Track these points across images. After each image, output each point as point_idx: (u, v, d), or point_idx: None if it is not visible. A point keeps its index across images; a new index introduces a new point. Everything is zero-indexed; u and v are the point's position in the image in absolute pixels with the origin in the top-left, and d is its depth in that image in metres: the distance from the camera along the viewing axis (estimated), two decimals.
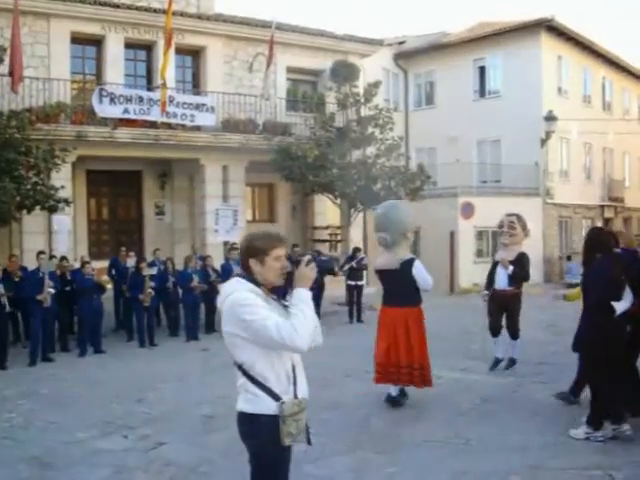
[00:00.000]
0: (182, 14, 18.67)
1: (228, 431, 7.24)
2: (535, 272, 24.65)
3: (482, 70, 28.18)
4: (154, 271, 13.82)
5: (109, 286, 14.40)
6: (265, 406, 3.44)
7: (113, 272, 15.42)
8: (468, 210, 23.70)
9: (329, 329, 15.31)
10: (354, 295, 16.42)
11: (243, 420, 3.54)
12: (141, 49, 19.63)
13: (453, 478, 5.66)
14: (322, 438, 6.81)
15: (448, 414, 7.67)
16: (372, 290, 20.13)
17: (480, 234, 24.51)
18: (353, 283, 16.37)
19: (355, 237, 20.63)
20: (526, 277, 9.66)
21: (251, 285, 3.51)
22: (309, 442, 3.67)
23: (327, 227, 22.34)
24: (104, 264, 15.93)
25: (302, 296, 3.42)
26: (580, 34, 27.44)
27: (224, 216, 18.90)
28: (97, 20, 18.06)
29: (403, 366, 7.90)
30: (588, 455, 6.09)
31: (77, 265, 14.01)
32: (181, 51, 19.54)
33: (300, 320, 3.33)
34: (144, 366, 11.51)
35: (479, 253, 24.40)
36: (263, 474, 3.61)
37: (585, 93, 29.53)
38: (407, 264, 7.84)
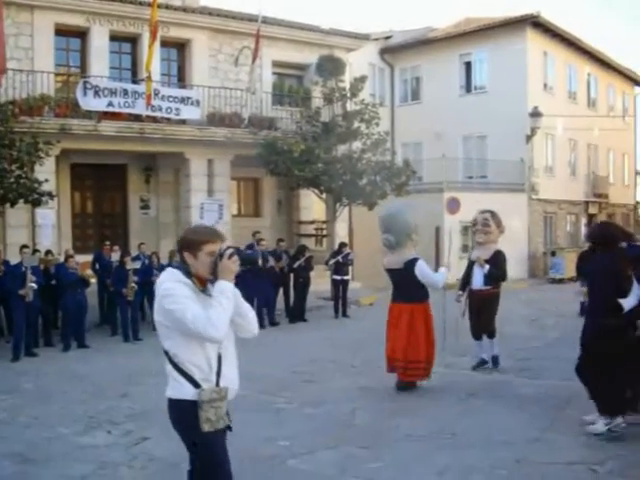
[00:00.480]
0: (167, 7, 18.53)
1: None
2: (520, 267, 24.90)
3: (468, 66, 28.21)
4: (138, 265, 13.73)
5: (93, 280, 14.30)
6: (185, 392, 3.59)
7: (97, 266, 15.31)
8: (454, 205, 23.69)
9: (315, 324, 15.33)
10: (340, 290, 16.39)
11: (169, 406, 3.70)
12: (126, 42, 19.47)
13: (438, 472, 5.65)
14: (307, 433, 6.81)
15: (433, 409, 7.68)
16: (358, 285, 20.17)
17: (466, 229, 24.47)
18: (339, 278, 16.35)
19: (341, 232, 20.62)
20: (503, 276, 9.52)
21: (182, 276, 3.62)
22: (229, 428, 3.78)
23: (313, 222, 22.31)
24: (89, 258, 15.80)
25: (222, 288, 3.53)
26: (566, 30, 27.53)
27: (209, 210, 18.84)
28: (81, 12, 17.90)
29: (399, 359, 8.26)
30: (572, 450, 6.12)
31: (62, 259, 13.90)
32: (166, 44, 19.41)
33: (217, 312, 3.46)
34: (128, 361, 11.44)
35: (465, 248, 24.39)
36: (200, 459, 3.73)
37: (570, 89, 29.64)
38: (410, 264, 8.25)
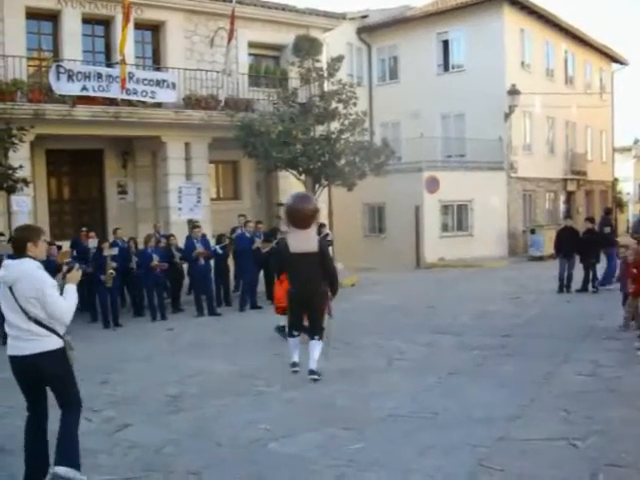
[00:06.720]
0: None
1: (194, 411, 7.18)
2: (500, 246, 25.00)
3: (445, 44, 28.13)
4: (116, 251, 13.60)
5: None
6: (56, 342, 5.00)
7: (75, 253, 15.18)
8: (433, 184, 23.75)
9: None
10: None
11: (39, 359, 4.92)
12: (99, 24, 19.12)
13: (420, 452, 5.65)
14: (288, 415, 6.79)
15: (414, 388, 7.67)
16: (339, 266, 20.11)
17: (445, 208, 24.59)
18: None
19: (320, 213, 20.50)
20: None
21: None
22: None
23: None
24: (66, 245, 15.67)
25: (70, 289, 5.10)
26: (542, 7, 27.53)
27: (187, 194, 18.70)
28: None
29: None
30: (553, 426, 6.14)
31: None
32: (140, 26, 19.10)
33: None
34: (108, 347, 11.36)
35: (444, 227, 24.50)
36: (67, 393, 5.21)
37: (548, 67, 29.65)
38: None
